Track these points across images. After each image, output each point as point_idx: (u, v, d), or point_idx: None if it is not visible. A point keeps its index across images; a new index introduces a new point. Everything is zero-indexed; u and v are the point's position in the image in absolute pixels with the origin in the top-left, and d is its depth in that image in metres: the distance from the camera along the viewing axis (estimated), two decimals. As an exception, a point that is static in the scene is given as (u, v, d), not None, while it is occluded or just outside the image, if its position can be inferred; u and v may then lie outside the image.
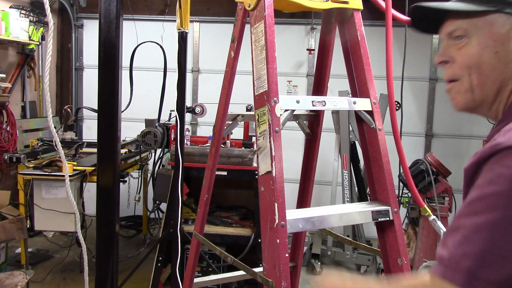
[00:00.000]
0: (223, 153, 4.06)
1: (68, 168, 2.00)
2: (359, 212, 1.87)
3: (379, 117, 1.94)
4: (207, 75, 6.70)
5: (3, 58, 5.69)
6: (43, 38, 6.00)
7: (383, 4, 1.95)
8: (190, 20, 3.36)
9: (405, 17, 2.04)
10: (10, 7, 5.52)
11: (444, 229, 1.89)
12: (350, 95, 2.08)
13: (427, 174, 4.31)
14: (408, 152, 5.43)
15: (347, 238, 2.64)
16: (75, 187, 4.31)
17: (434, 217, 1.83)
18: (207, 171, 2.31)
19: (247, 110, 4.47)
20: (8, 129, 5.23)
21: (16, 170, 4.83)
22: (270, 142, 1.68)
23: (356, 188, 5.38)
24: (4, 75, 5.19)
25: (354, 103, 1.92)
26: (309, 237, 5.51)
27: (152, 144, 4.37)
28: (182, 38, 3.28)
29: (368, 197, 5.10)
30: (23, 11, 5.68)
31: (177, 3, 3.15)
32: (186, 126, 3.88)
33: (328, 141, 5.26)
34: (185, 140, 4.07)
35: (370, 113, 1.94)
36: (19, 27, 5.40)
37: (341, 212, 1.84)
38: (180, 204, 3.24)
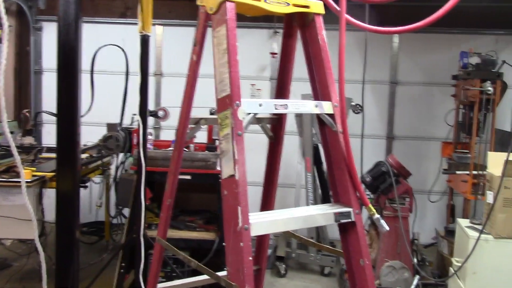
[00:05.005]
0: (187, 157, 4.04)
1: (25, 174, 1.95)
2: (322, 214, 1.89)
3: (340, 120, 1.97)
4: (170, 79, 6.64)
5: (-43, 60, 5.50)
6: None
7: (338, 8, 1.98)
8: (153, 23, 3.33)
9: (357, 22, 2.08)
10: (-35, 8, 5.34)
11: (387, 228, 1.94)
12: (313, 99, 2.10)
13: (388, 175, 4.40)
14: (370, 154, 5.56)
15: (310, 240, 2.67)
16: (34, 193, 4.18)
17: (378, 216, 1.88)
18: (170, 175, 2.29)
19: (211, 113, 4.46)
20: (-37, 134, 5.05)
21: (-29, 176, 4.66)
22: (233, 145, 1.68)
23: (319, 191, 5.43)
24: (-42, 79, 5.01)
25: (316, 106, 1.95)
26: (273, 239, 5.53)
27: (114, 148, 4.30)
28: (144, 41, 3.25)
29: (331, 199, 5.15)
30: (-22, 13, 5.51)
31: (139, 6, 3.12)
32: (148, 130, 3.83)
33: (291, 144, 5.30)
34: (148, 144, 4.03)
35: (332, 116, 1.96)
36: (-26, 29, 5.23)
37: (304, 214, 1.86)
38: (143, 209, 3.20)
